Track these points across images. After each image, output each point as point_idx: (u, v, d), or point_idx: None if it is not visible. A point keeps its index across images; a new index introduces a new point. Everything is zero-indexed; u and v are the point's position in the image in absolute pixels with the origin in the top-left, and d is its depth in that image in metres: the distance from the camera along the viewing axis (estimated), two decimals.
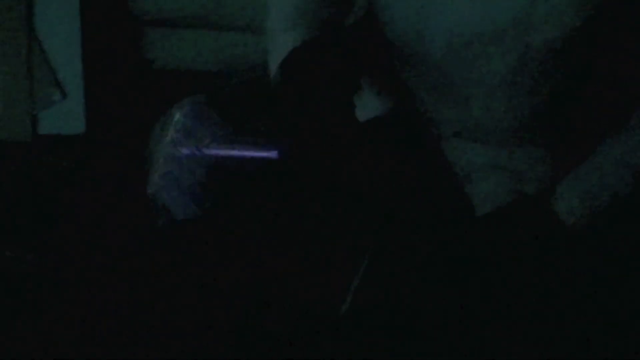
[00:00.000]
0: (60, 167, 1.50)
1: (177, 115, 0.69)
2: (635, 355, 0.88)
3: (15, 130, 1.73)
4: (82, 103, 1.78)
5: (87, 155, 1.63)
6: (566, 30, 0.88)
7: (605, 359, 0.87)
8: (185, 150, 0.69)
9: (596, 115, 0.96)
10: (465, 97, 0.96)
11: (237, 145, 0.75)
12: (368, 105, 1.00)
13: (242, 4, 1.80)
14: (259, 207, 0.89)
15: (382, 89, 1.01)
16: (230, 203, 0.82)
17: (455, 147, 1.01)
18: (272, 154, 0.76)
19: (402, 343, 0.88)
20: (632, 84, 0.92)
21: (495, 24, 0.89)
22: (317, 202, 0.89)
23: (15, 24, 1.74)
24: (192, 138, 0.70)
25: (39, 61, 1.76)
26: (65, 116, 1.78)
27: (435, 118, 1.01)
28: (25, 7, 1.74)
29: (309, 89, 0.85)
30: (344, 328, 0.89)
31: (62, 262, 1.09)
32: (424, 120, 1.03)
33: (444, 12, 0.90)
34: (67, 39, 1.77)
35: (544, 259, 0.89)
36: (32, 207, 1.29)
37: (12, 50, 1.74)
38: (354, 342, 0.89)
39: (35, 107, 1.75)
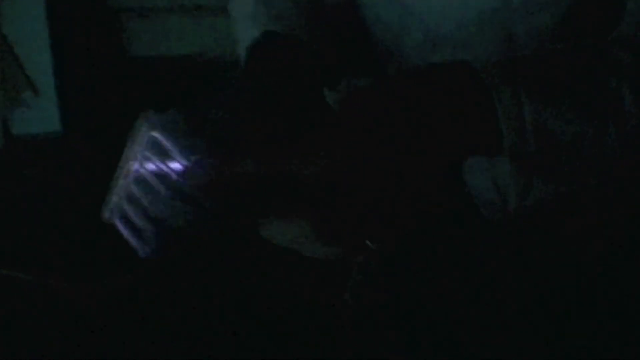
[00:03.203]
0: (35, 172, 1.45)
1: (143, 128, 0.60)
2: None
3: None
4: (55, 100, 1.73)
5: (64, 157, 1.57)
6: (547, 19, 0.85)
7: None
8: (150, 166, 0.60)
9: None
10: None
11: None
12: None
13: None
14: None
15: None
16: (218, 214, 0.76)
17: None
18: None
19: (406, 342, 0.84)
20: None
21: (475, 14, 0.87)
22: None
23: None
24: (160, 152, 0.61)
25: (8, 60, 1.70)
26: (39, 115, 1.74)
27: None
28: None
29: (265, 81, 0.83)
30: (346, 327, 0.86)
31: (41, 272, 1.04)
32: None
33: (425, 4, 0.90)
34: (35, 34, 1.71)
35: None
36: (7, 216, 1.23)
37: None
38: (356, 341, 0.85)
39: (6, 108, 1.69)
